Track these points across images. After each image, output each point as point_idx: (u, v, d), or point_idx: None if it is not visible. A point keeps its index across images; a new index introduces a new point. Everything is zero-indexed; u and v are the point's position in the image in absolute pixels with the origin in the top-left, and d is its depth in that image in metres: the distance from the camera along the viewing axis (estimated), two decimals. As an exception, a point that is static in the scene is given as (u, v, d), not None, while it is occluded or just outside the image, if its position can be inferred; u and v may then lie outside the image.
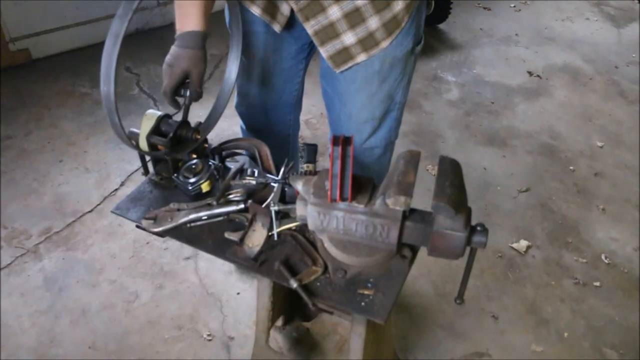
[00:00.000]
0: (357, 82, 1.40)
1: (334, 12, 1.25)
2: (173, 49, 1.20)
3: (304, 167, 1.19)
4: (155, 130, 1.20)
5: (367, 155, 1.60)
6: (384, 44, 1.31)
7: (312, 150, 1.26)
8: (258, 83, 1.57)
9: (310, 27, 1.29)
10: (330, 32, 1.29)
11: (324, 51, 1.34)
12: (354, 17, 1.25)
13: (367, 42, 1.30)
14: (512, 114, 3.09)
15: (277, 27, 1.39)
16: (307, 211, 1.01)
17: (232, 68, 1.33)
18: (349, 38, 1.29)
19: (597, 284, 2.08)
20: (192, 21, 1.18)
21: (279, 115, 1.70)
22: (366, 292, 1.01)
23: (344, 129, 1.53)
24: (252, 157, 1.29)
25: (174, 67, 1.19)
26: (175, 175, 1.21)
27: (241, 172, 1.24)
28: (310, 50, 1.55)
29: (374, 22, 1.26)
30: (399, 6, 1.26)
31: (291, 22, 1.38)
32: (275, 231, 1.09)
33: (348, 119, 1.50)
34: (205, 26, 1.19)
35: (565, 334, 1.89)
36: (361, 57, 1.33)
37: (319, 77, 1.53)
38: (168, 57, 1.20)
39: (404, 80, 1.45)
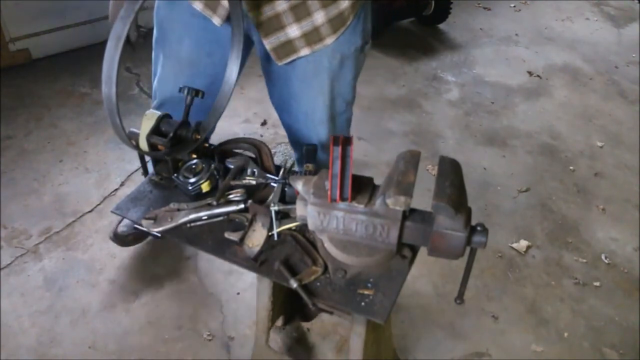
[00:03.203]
0: (308, 79, 1.42)
1: (281, 4, 1.25)
2: None
3: (304, 167, 1.19)
4: (155, 130, 1.20)
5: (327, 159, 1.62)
6: (329, 41, 1.32)
7: (312, 151, 1.26)
8: (190, 79, 1.51)
9: (255, 17, 1.30)
10: (275, 24, 1.29)
11: (268, 42, 1.34)
12: (300, 10, 1.25)
13: (312, 37, 1.31)
14: (512, 114, 3.09)
15: (217, 21, 1.37)
16: (307, 211, 1.01)
17: (233, 68, 1.33)
18: (293, 31, 1.29)
19: (597, 284, 2.08)
20: None
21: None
22: (366, 292, 1.01)
23: (302, 131, 1.54)
24: (252, 157, 1.29)
25: None
26: (175, 175, 1.21)
27: (241, 172, 1.24)
28: (247, 48, 1.53)
29: (319, 17, 1.26)
30: (345, 3, 1.26)
31: (229, 15, 1.37)
32: (275, 231, 1.09)
33: (305, 118, 1.51)
34: None
35: (565, 334, 1.89)
36: (304, 51, 1.34)
37: (267, 84, 1.52)
38: None
39: (353, 80, 1.47)
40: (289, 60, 1.36)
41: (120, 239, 2.02)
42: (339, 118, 1.54)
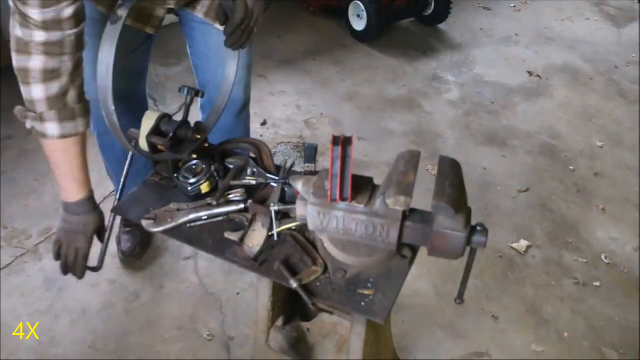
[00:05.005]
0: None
1: None
2: (72, 217, 1.20)
3: (304, 167, 1.19)
4: (156, 130, 1.20)
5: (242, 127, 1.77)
6: None
7: (312, 150, 1.26)
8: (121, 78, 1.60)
9: (199, 12, 1.44)
10: (213, 7, 1.40)
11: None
12: None
13: None
14: (512, 114, 3.09)
15: (151, 31, 1.44)
16: (307, 211, 1.01)
17: (232, 67, 1.33)
18: None
19: (597, 284, 2.08)
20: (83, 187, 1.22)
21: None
22: (366, 292, 1.01)
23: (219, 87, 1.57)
24: (252, 157, 1.29)
25: (86, 233, 1.19)
26: (175, 175, 1.21)
27: (241, 172, 1.24)
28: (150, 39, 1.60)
29: None
30: None
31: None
32: (275, 231, 1.09)
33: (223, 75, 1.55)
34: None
35: (565, 334, 1.89)
36: None
37: (188, 42, 1.61)
38: (67, 226, 1.19)
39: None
40: None
41: (132, 255, 2.02)
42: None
